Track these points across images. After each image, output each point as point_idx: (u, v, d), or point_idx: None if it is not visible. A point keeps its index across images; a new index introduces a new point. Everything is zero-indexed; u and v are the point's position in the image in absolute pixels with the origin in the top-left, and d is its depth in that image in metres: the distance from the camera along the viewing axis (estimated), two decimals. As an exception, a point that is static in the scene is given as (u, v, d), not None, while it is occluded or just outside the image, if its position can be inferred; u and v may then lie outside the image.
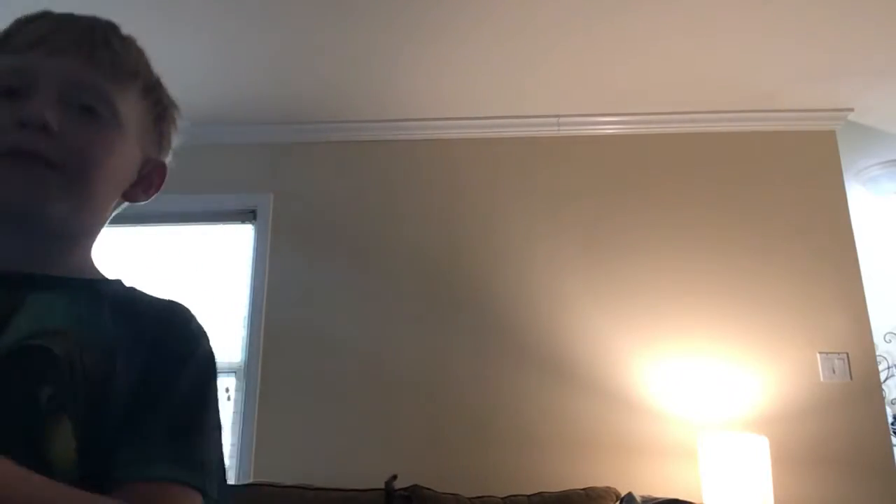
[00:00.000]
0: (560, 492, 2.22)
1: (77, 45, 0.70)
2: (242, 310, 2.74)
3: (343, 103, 2.75)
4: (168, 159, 0.81)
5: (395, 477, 2.24)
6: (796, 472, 2.38)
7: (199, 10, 2.22)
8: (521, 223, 2.74)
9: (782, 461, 2.35)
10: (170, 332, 0.70)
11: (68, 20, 0.73)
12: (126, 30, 0.78)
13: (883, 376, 2.65)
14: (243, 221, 2.85)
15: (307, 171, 2.86)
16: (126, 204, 0.78)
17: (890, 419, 2.69)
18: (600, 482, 2.30)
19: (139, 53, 0.78)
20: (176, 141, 0.81)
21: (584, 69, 2.54)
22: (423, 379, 2.59)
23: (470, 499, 2.22)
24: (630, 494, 2.19)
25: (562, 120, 2.83)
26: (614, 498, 2.22)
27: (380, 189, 2.83)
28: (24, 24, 0.72)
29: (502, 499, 2.22)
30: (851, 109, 2.74)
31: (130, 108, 0.73)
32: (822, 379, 2.51)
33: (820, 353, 2.53)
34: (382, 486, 2.22)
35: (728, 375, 2.50)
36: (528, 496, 2.23)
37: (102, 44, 0.72)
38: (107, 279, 0.75)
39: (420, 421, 2.54)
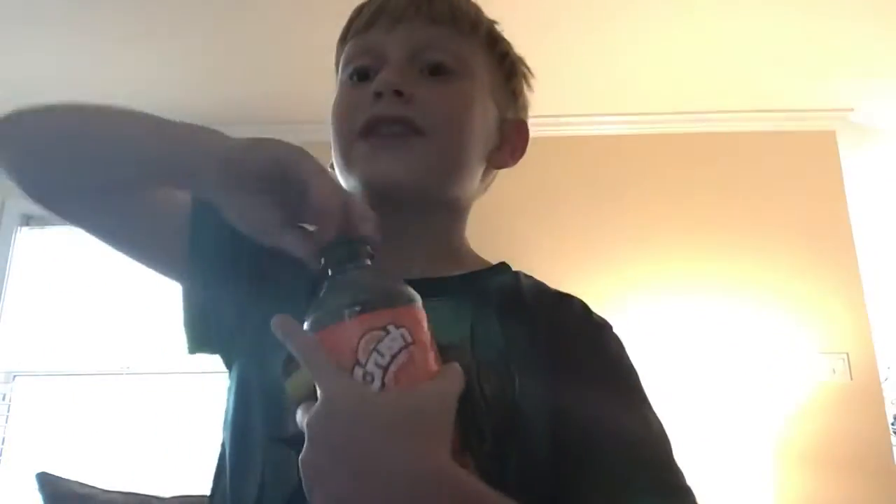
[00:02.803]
0: (560, 492, 2.22)
1: (414, 5, 0.67)
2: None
3: (343, 103, 2.75)
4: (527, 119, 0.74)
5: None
6: (796, 472, 2.38)
7: (201, 11, 2.22)
8: (521, 223, 2.74)
9: (782, 461, 2.35)
10: (570, 331, 0.63)
11: None
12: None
13: (883, 376, 2.65)
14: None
15: (307, 171, 2.85)
16: (494, 175, 0.74)
17: (890, 419, 2.69)
18: (600, 482, 2.29)
19: (476, 6, 0.72)
20: (530, 101, 0.75)
21: (584, 69, 2.54)
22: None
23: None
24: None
25: (562, 120, 2.83)
26: (614, 498, 2.22)
27: (380, 189, 2.82)
28: (359, 8, 0.71)
29: (502, 499, 2.21)
30: (851, 109, 2.74)
31: (478, 60, 0.69)
32: (822, 379, 2.51)
33: (820, 353, 2.53)
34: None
35: (728, 375, 2.50)
36: (528, 496, 2.23)
37: None
38: (490, 268, 0.69)
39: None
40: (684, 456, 2.42)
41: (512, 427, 0.54)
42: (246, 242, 0.60)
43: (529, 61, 0.75)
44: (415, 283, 0.53)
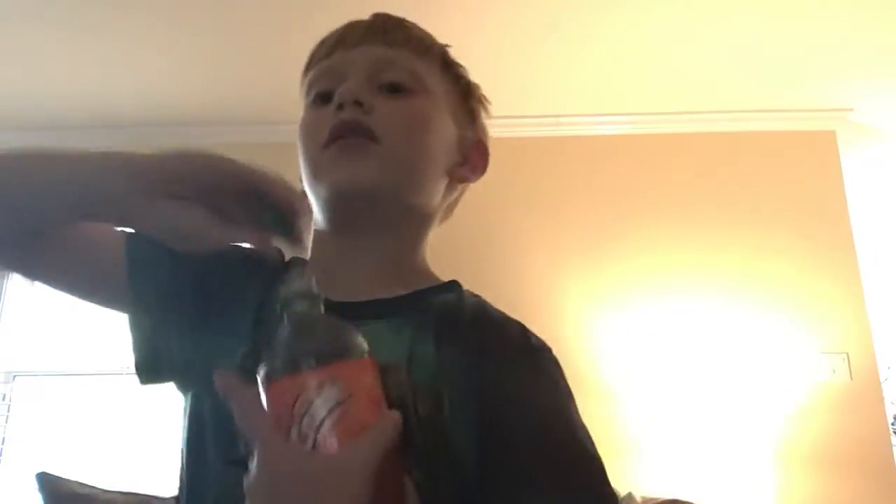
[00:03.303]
0: (560, 492, 2.22)
1: (371, 32, 0.72)
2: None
3: (343, 103, 2.75)
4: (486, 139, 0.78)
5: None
6: (796, 472, 2.38)
7: (201, 12, 2.22)
8: (521, 223, 2.74)
9: (782, 461, 2.35)
10: (506, 354, 0.62)
11: (357, 20, 0.75)
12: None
13: (883, 376, 2.65)
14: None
15: (307, 171, 2.86)
16: (460, 192, 0.77)
17: (890, 419, 2.69)
18: (600, 482, 2.29)
19: (429, 34, 0.77)
20: (486, 122, 0.78)
21: (585, 69, 2.54)
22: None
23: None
24: (630, 494, 2.18)
25: (562, 120, 2.83)
26: (614, 498, 2.22)
27: (380, 189, 2.82)
28: (321, 41, 0.77)
29: (502, 499, 2.21)
30: (851, 109, 2.74)
31: (434, 79, 0.72)
32: (822, 379, 2.50)
33: (820, 353, 2.53)
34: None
35: (728, 375, 2.50)
36: (528, 496, 2.22)
37: (394, 26, 0.73)
38: (437, 287, 0.70)
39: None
40: (685, 456, 2.41)
41: (442, 447, 0.55)
42: (186, 269, 0.64)
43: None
44: (360, 306, 0.60)
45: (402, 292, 0.66)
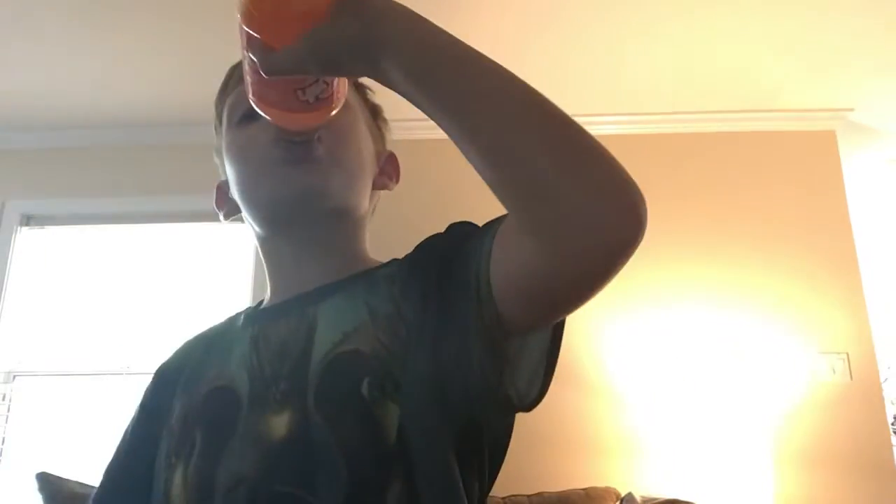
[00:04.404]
0: (560, 492, 2.22)
1: None
2: (242, 310, 2.73)
3: (343, 103, 2.75)
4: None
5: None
6: (796, 472, 2.38)
7: (199, 12, 2.22)
8: (521, 223, 2.74)
9: (782, 461, 2.35)
10: (423, 249, 0.70)
11: None
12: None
13: (883, 376, 2.65)
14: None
15: (307, 171, 2.85)
16: (378, 197, 0.85)
17: (890, 419, 2.69)
18: (600, 482, 2.29)
19: None
20: (389, 138, 0.86)
21: (585, 69, 2.54)
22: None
23: (470, 499, 2.22)
24: (630, 494, 2.19)
25: (562, 120, 2.83)
26: (614, 498, 2.22)
27: (380, 189, 2.82)
28: (234, 69, 0.83)
29: (502, 499, 2.22)
30: (851, 109, 2.74)
31: (352, 97, 0.78)
32: (822, 379, 2.51)
33: (820, 353, 2.53)
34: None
35: (728, 375, 2.50)
36: (528, 496, 2.23)
37: None
38: (381, 264, 0.78)
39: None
40: (686, 456, 2.41)
41: (405, 362, 0.62)
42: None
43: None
44: (312, 294, 0.70)
45: (354, 272, 0.74)
